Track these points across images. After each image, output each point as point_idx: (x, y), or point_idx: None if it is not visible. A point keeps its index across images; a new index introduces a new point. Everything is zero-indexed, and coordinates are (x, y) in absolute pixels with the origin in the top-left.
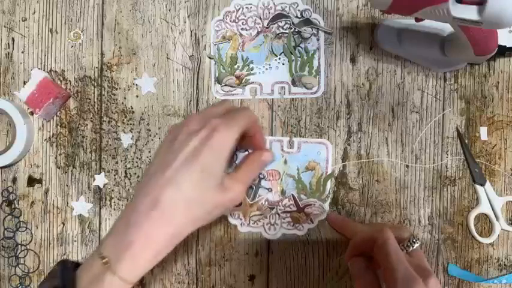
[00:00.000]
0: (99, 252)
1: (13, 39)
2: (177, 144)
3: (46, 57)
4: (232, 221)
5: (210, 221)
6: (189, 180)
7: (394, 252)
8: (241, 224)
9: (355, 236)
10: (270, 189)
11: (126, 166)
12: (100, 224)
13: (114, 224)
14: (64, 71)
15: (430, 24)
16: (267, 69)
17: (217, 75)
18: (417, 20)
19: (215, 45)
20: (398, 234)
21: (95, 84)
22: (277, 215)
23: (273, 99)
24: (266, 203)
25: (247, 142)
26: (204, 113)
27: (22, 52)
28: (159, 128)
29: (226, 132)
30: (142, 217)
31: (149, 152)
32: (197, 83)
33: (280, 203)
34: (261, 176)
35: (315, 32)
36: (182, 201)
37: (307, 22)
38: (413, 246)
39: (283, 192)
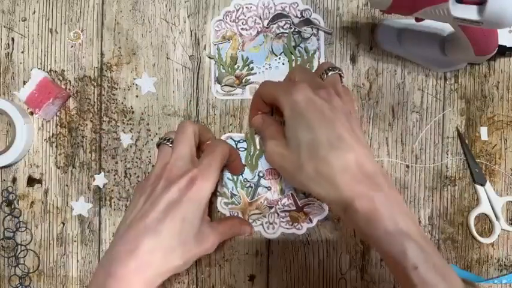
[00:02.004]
0: None
1: (13, 39)
2: (158, 191)
3: (46, 57)
4: None
5: (183, 270)
6: (169, 229)
7: (271, 86)
8: None
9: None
10: (269, 188)
11: (126, 166)
12: (100, 224)
13: (94, 274)
14: (64, 70)
15: (430, 24)
16: (267, 69)
17: (217, 75)
18: (417, 20)
19: (215, 45)
20: (321, 67)
21: (95, 84)
22: (276, 214)
23: None
24: (265, 202)
25: (226, 167)
26: (181, 158)
27: (22, 52)
28: (159, 128)
29: (204, 182)
30: (121, 266)
31: (149, 152)
32: (197, 83)
33: (279, 202)
34: (260, 175)
35: (315, 32)
36: (161, 250)
37: (307, 22)
38: (327, 74)
39: (282, 191)
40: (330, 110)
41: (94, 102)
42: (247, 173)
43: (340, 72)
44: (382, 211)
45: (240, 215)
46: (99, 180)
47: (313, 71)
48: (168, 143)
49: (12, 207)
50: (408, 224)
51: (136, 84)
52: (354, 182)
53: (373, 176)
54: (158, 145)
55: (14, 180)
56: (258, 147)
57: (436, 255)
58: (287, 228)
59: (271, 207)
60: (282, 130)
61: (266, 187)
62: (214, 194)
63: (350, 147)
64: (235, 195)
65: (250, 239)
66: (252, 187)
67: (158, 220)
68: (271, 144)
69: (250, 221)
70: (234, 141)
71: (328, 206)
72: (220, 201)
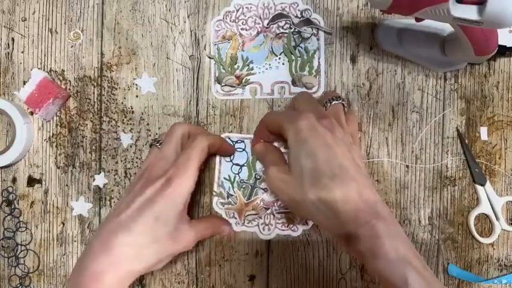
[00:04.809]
0: None
1: (13, 39)
2: (134, 192)
3: (46, 57)
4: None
5: (160, 267)
6: (142, 226)
7: (276, 115)
8: (236, 223)
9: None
10: (265, 189)
11: (126, 166)
12: (100, 224)
13: (74, 266)
14: (64, 70)
15: (430, 24)
16: (267, 69)
17: (217, 75)
18: (417, 20)
19: (215, 45)
20: (325, 96)
21: (95, 84)
22: (272, 215)
23: (273, 99)
24: (261, 203)
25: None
26: (163, 158)
27: (22, 52)
28: (159, 128)
29: (179, 181)
30: (93, 262)
31: (149, 152)
32: (197, 83)
33: (275, 204)
34: (257, 177)
35: (315, 32)
36: (134, 246)
37: (307, 22)
38: (330, 103)
39: None
40: (332, 138)
41: (94, 102)
42: (244, 175)
43: (343, 102)
44: (384, 239)
45: (236, 216)
46: (99, 180)
47: (317, 98)
48: (157, 145)
49: (12, 207)
50: (408, 253)
51: (136, 84)
52: (356, 210)
53: (374, 206)
54: (150, 146)
55: (14, 180)
56: (259, 173)
57: (436, 283)
58: (282, 230)
59: (267, 209)
60: (284, 157)
61: (263, 188)
62: (211, 193)
63: (351, 176)
64: (231, 195)
65: (250, 239)
66: (248, 188)
67: (131, 217)
68: (273, 170)
69: (246, 221)
70: (232, 141)
71: (330, 234)
72: (216, 202)
